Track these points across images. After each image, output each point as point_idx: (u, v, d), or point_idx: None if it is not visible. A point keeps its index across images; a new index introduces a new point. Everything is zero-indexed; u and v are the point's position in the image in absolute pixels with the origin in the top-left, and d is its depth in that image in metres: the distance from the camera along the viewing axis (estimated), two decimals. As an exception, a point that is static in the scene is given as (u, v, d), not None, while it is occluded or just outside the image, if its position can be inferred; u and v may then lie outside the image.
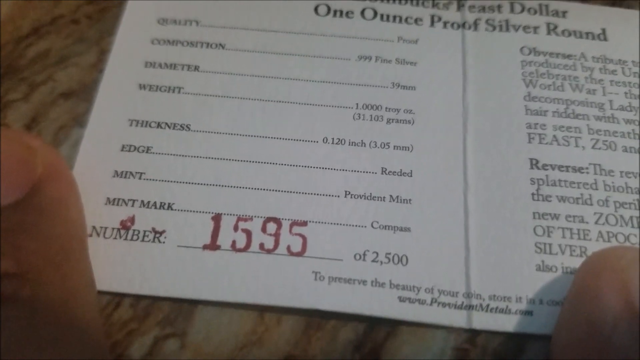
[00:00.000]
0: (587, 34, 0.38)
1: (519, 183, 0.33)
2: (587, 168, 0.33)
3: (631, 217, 0.32)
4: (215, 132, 0.34)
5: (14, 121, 0.34)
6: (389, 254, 0.31)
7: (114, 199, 0.32)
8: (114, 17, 0.38)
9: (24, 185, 0.26)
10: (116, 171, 0.32)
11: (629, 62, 0.36)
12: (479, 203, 0.32)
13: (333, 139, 0.34)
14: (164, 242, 0.31)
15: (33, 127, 0.34)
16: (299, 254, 0.31)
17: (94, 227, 0.31)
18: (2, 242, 0.24)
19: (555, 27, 0.38)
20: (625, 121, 0.34)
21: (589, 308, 0.25)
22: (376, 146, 0.34)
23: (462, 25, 0.38)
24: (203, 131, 0.34)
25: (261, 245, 0.31)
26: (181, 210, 0.32)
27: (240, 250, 0.31)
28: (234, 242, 0.31)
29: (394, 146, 0.34)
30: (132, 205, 0.32)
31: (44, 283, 0.25)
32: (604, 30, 0.38)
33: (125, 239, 0.31)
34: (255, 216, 0.32)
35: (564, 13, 0.38)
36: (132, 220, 0.31)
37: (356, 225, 0.32)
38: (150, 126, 0.34)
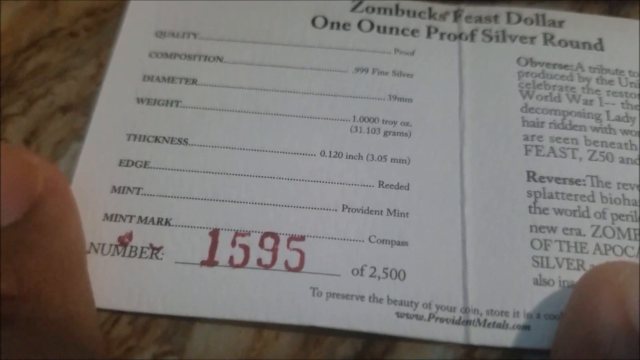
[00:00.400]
0: (583, 43, 0.37)
1: (515, 196, 0.32)
2: (584, 180, 0.33)
3: (628, 229, 0.32)
4: (212, 146, 0.34)
5: (13, 135, 0.34)
6: (387, 268, 0.31)
7: (112, 215, 0.32)
8: (112, 30, 0.37)
9: (24, 204, 0.26)
10: (114, 186, 0.32)
11: (626, 71, 0.36)
12: (476, 216, 0.32)
13: (331, 151, 0.34)
14: (161, 259, 0.31)
15: (32, 141, 0.34)
16: (297, 270, 0.31)
17: (92, 244, 0.31)
18: (2, 262, 0.24)
19: (552, 37, 0.38)
20: (622, 132, 0.34)
21: (587, 324, 0.25)
22: (373, 159, 0.34)
23: (459, 36, 0.38)
24: (201, 145, 0.34)
25: (259, 261, 0.31)
26: (179, 226, 0.31)
27: (237, 266, 0.31)
28: (231, 257, 0.31)
29: (391, 159, 0.34)
30: (130, 221, 0.31)
31: (44, 303, 0.25)
32: (600, 40, 0.37)
33: (123, 255, 0.31)
34: (252, 231, 0.31)
35: (561, 23, 0.38)
36: (129, 236, 0.31)
37: (354, 240, 0.31)
38: (148, 140, 0.33)
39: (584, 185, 0.33)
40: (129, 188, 0.32)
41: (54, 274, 0.26)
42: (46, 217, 0.27)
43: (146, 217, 0.32)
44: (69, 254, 0.27)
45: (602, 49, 0.37)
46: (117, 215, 0.32)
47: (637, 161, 0.33)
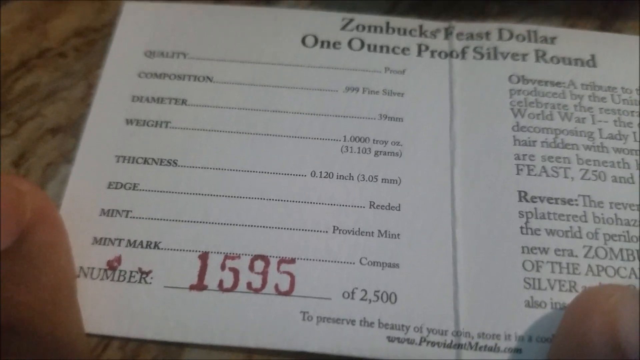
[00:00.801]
0: (576, 60, 0.37)
1: (507, 216, 0.32)
2: (576, 200, 0.33)
3: (621, 250, 0.31)
4: (202, 168, 0.33)
5: (3, 158, 0.34)
6: (378, 291, 0.31)
7: (101, 239, 0.31)
8: (102, 50, 0.37)
9: (12, 232, 0.26)
10: (103, 209, 0.32)
11: (619, 88, 0.36)
12: (468, 237, 0.32)
13: (321, 172, 0.33)
14: (150, 283, 0.31)
15: (21, 163, 0.34)
16: (287, 293, 0.30)
17: (81, 268, 0.31)
18: None
19: (544, 53, 0.37)
20: (614, 150, 0.34)
21: (578, 348, 0.25)
22: (364, 179, 0.33)
23: (450, 54, 0.37)
24: (190, 166, 0.33)
25: (249, 285, 0.31)
26: (168, 249, 0.31)
27: (227, 290, 0.30)
28: (221, 281, 0.31)
29: (382, 179, 0.33)
30: (119, 245, 0.31)
31: (34, 334, 0.25)
32: (593, 57, 0.37)
33: (112, 279, 0.31)
34: (242, 254, 0.31)
35: (553, 39, 0.38)
36: (118, 260, 0.31)
37: (345, 262, 0.31)
38: (137, 162, 0.33)
39: (576, 205, 0.32)
40: (117, 211, 0.32)
41: (44, 304, 0.26)
42: (35, 247, 0.27)
43: (135, 241, 0.31)
44: (59, 283, 0.27)
45: (594, 66, 0.37)
46: (106, 238, 0.31)
47: (630, 180, 0.33)
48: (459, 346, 0.29)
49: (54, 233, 0.28)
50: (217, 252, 0.31)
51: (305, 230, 0.32)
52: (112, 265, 0.31)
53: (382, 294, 0.31)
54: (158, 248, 0.31)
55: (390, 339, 0.29)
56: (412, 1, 0.40)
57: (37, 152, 0.34)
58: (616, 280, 0.31)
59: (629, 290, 0.25)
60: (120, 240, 0.31)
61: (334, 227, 0.32)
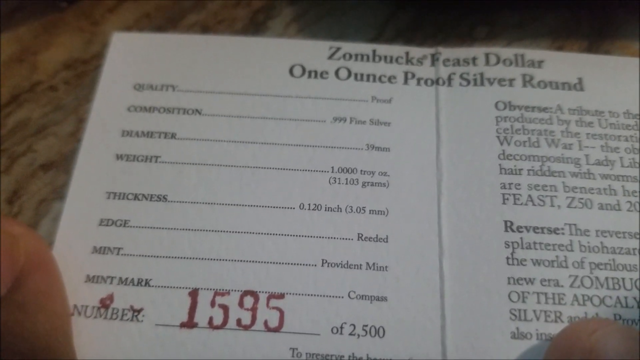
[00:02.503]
0: (563, 84, 0.38)
1: (493, 247, 0.33)
2: (562, 229, 0.33)
3: (606, 279, 0.32)
4: (191, 202, 0.34)
5: (-3, 195, 0.33)
6: (366, 325, 0.31)
7: (94, 276, 0.32)
8: (91, 83, 0.38)
9: (6, 280, 0.26)
10: (95, 247, 0.33)
11: (606, 112, 0.36)
12: (454, 269, 0.32)
13: (310, 204, 0.34)
14: (142, 321, 0.31)
15: (14, 200, 0.35)
16: (276, 330, 0.31)
17: (75, 306, 0.31)
18: None
19: (531, 78, 0.38)
20: (601, 176, 0.34)
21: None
22: (352, 211, 0.34)
23: (436, 81, 0.38)
24: (180, 202, 0.34)
25: (238, 321, 0.31)
26: (158, 287, 0.32)
27: (217, 327, 0.31)
28: (211, 318, 0.31)
29: (370, 210, 0.34)
30: (111, 282, 0.32)
31: None
32: (580, 80, 0.38)
33: (105, 317, 0.31)
34: (232, 290, 0.32)
35: (540, 63, 0.38)
36: (111, 298, 0.32)
37: (333, 296, 0.32)
38: (127, 198, 0.34)
39: (563, 234, 0.33)
40: (109, 248, 0.33)
41: (39, 353, 0.26)
42: (30, 295, 0.27)
43: (127, 278, 0.32)
44: (54, 329, 0.28)
45: (582, 89, 0.38)
46: (98, 276, 0.32)
47: (617, 207, 0.34)
48: (445, 380, 0.28)
49: (48, 279, 0.29)
50: (207, 289, 0.32)
51: (294, 264, 0.32)
52: (105, 304, 0.31)
53: (370, 329, 0.31)
54: (149, 285, 0.32)
55: (378, 374, 0.28)
56: (400, 26, 0.41)
57: (29, 188, 0.35)
58: (602, 310, 0.31)
59: (612, 326, 0.26)
60: (112, 278, 0.32)
61: (323, 260, 0.33)
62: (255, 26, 0.41)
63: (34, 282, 0.27)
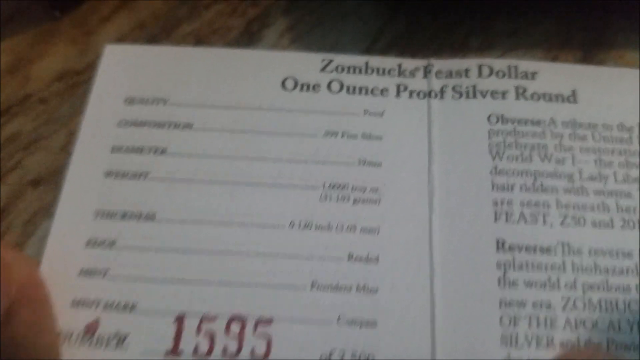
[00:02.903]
0: (557, 96, 0.35)
1: (485, 268, 0.30)
2: (555, 248, 0.31)
3: (599, 300, 0.29)
4: (180, 221, 0.32)
5: (-14, 212, 0.31)
6: (355, 352, 0.29)
7: (80, 300, 0.30)
8: (83, 95, 0.35)
9: None
10: (82, 269, 0.30)
11: (599, 125, 0.34)
12: (446, 293, 0.30)
13: (300, 222, 0.32)
14: (127, 349, 0.29)
15: (3, 218, 0.32)
16: (264, 358, 0.28)
17: (60, 332, 0.29)
18: None
19: (525, 90, 0.35)
20: (594, 192, 0.32)
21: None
22: (343, 229, 0.32)
23: (428, 94, 0.35)
24: (168, 220, 0.32)
25: (224, 350, 0.29)
26: (144, 311, 0.29)
27: (202, 356, 0.28)
28: (196, 346, 0.29)
29: (361, 228, 0.32)
30: (97, 307, 0.30)
31: None
32: (574, 92, 0.35)
33: (91, 344, 0.29)
34: (219, 314, 0.29)
35: (534, 74, 0.36)
36: (96, 323, 0.29)
37: (322, 321, 0.29)
38: (115, 217, 0.32)
39: (555, 254, 0.30)
40: (96, 270, 0.30)
41: None
42: (21, 326, 0.25)
43: (113, 302, 0.30)
44: None
45: (575, 101, 0.35)
46: (84, 300, 0.30)
47: (610, 224, 0.31)
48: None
49: (40, 311, 0.27)
50: (194, 313, 0.29)
51: (283, 286, 0.30)
52: (91, 329, 0.29)
53: (359, 355, 0.29)
54: (135, 310, 0.29)
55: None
56: (394, 35, 0.38)
57: (18, 205, 0.33)
58: (594, 334, 0.29)
59: (604, 356, 0.25)
60: (98, 301, 0.30)
61: (312, 282, 0.30)
62: (249, 35, 0.39)
63: (25, 316, 0.25)
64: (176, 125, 0.34)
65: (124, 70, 0.36)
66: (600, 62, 0.37)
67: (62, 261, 0.30)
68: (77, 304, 0.30)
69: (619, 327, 0.29)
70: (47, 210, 0.32)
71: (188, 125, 0.35)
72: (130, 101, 0.35)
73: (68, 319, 0.29)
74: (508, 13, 0.38)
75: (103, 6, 0.39)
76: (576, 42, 0.38)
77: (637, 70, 0.36)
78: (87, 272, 0.30)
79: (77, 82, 0.37)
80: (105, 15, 0.39)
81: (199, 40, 0.39)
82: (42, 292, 0.27)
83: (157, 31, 0.39)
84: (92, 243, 0.31)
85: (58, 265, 0.30)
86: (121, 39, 0.38)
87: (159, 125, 0.34)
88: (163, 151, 0.34)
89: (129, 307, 0.30)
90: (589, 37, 0.38)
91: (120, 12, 0.40)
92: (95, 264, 0.30)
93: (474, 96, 0.35)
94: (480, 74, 0.36)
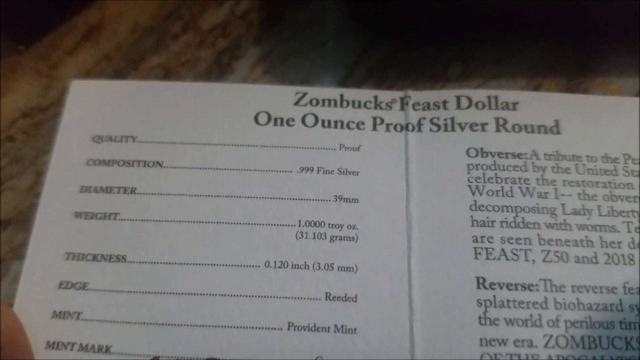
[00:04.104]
0: (539, 127, 0.37)
1: (465, 306, 0.33)
2: (537, 285, 0.33)
3: (582, 337, 0.32)
4: (150, 263, 0.34)
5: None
6: (334, 395, 0.29)
7: (54, 343, 0.32)
8: (49, 132, 0.38)
9: None
10: (55, 311, 0.33)
11: (583, 157, 0.36)
12: (425, 332, 0.32)
13: (275, 262, 0.34)
14: (102, 393, 0.29)
15: (-29, 260, 0.33)
16: (239, 406, 0.29)
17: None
18: None
19: (505, 122, 0.38)
20: (578, 227, 0.34)
21: None
22: (320, 268, 0.34)
23: (406, 127, 0.37)
24: (139, 262, 0.34)
25: (199, 394, 0.29)
26: (119, 355, 0.32)
27: (177, 400, 0.29)
28: (171, 391, 0.29)
29: (338, 267, 0.34)
30: (72, 349, 0.32)
31: None
32: (557, 122, 0.38)
33: (66, 387, 0.29)
34: (194, 358, 0.32)
35: (515, 105, 0.38)
36: (71, 366, 0.30)
37: None
38: (86, 259, 0.34)
39: (537, 290, 0.33)
40: (69, 313, 0.33)
41: None
42: None
43: (87, 345, 0.32)
44: None
45: (558, 132, 0.37)
46: (58, 343, 0.32)
47: (594, 259, 0.34)
48: None
49: (23, 356, 0.29)
50: (168, 357, 0.32)
51: (259, 328, 0.32)
52: (65, 373, 0.30)
53: (338, 398, 0.29)
54: (109, 352, 0.32)
55: None
56: (371, 65, 0.41)
57: None
58: None
59: None
60: (72, 344, 0.32)
61: (289, 323, 0.33)
62: (220, 67, 0.41)
63: None
64: (145, 164, 0.37)
65: (90, 106, 0.38)
66: (586, 90, 0.39)
67: (35, 304, 0.33)
68: (51, 346, 0.32)
69: (602, 365, 0.30)
70: (16, 252, 0.35)
71: (158, 163, 0.37)
72: (98, 139, 0.38)
73: (43, 362, 0.30)
74: (490, 41, 0.40)
75: (67, 38, 0.42)
76: (560, 70, 0.40)
77: (624, 98, 0.38)
78: (60, 315, 0.33)
79: (42, 119, 0.39)
80: (70, 48, 0.42)
81: (167, 72, 0.41)
82: (23, 336, 0.30)
83: (123, 64, 0.41)
84: (64, 285, 0.34)
85: (31, 307, 0.33)
86: (86, 72, 0.41)
87: (128, 163, 0.37)
88: (132, 190, 0.36)
89: (104, 349, 0.32)
90: (574, 63, 0.40)
91: (85, 44, 0.42)
92: (68, 307, 0.33)
93: (453, 129, 0.37)
94: (458, 105, 0.38)
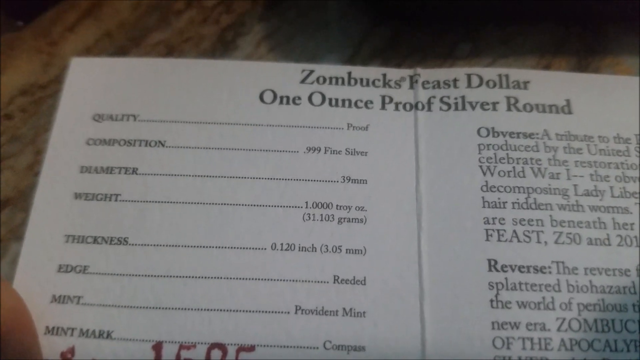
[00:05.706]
0: (550, 106, 0.37)
1: (476, 289, 0.32)
2: (549, 267, 0.32)
3: (595, 320, 0.31)
4: (153, 245, 0.33)
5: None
6: (343, 379, 0.28)
7: (53, 328, 0.32)
8: (49, 110, 0.37)
9: None
10: (54, 295, 0.32)
11: (595, 137, 0.36)
12: (436, 316, 0.32)
13: (282, 244, 0.33)
14: (104, 379, 0.29)
15: (-31, 241, 0.32)
16: (246, 387, 0.28)
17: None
18: None
19: (516, 101, 0.37)
20: (590, 208, 0.34)
21: None
22: (327, 250, 0.33)
23: (415, 106, 0.37)
24: (141, 244, 0.33)
25: (204, 379, 0.28)
26: (120, 340, 0.31)
27: (182, 385, 0.28)
28: (175, 376, 0.29)
29: (346, 249, 0.33)
30: (72, 334, 0.31)
31: None
32: (568, 102, 0.37)
33: (65, 374, 0.29)
34: (198, 343, 0.31)
35: (526, 84, 0.37)
36: (72, 351, 0.31)
37: (307, 347, 0.31)
38: (86, 242, 0.33)
39: (549, 273, 0.32)
40: (69, 297, 0.32)
41: None
42: (13, 356, 0.27)
43: (87, 330, 0.32)
44: None
45: (570, 112, 0.37)
46: (58, 328, 0.32)
47: (607, 241, 0.33)
48: None
49: (28, 337, 0.29)
50: (172, 342, 0.31)
51: (265, 312, 0.32)
52: (66, 358, 0.31)
53: (347, 383, 0.28)
54: (111, 338, 0.31)
55: None
56: (377, 44, 0.40)
57: None
58: (590, 355, 0.31)
59: None
60: (72, 329, 0.31)
61: (296, 306, 0.32)
62: (224, 45, 0.40)
63: (15, 344, 0.27)
64: (147, 143, 0.36)
65: (91, 84, 0.38)
66: (596, 70, 0.38)
67: (34, 287, 0.32)
68: (51, 331, 0.31)
69: (616, 348, 0.31)
70: (15, 233, 0.34)
71: (160, 143, 0.36)
72: (98, 118, 0.37)
73: (43, 347, 0.31)
74: (499, 19, 0.40)
75: (67, 15, 0.41)
76: (570, 49, 0.39)
77: (635, 78, 0.37)
78: (60, 299, 0.32)
79: (41, 97, 0.38)
80: (70, 25, 0.41)
81: (170, 50, 0.40)
82: (28, 319, 0.29)
83: (125, 41, 0.40)
84: (64, 268, 0.33)
85: (30, 291, 0.32)
86: (87, 49, 0.40)
87: (129, 143, 0.36)
88: (134, 171, 0.35)
89: (105, 335, 0.31)
90: (583, 43, 0.40)
91: (86, 21, 0.41)
92: (68, 291, 0.32)
93: (463, 108, 0.37)
94: (469, 83, 0.37)
